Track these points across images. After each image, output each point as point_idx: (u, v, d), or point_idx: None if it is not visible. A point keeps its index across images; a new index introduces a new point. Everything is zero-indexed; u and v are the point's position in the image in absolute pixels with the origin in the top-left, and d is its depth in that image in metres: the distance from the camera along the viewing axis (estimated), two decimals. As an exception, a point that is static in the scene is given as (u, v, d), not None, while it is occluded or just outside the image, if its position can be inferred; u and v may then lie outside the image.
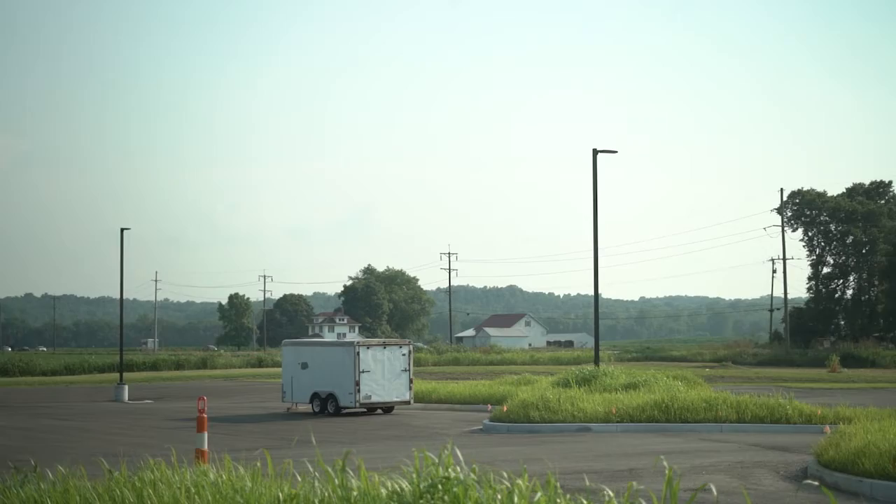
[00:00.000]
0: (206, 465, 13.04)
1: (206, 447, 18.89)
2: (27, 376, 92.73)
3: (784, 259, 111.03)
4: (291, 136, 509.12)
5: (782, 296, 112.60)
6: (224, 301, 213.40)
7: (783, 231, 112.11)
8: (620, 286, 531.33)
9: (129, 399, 59.66)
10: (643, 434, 33.44)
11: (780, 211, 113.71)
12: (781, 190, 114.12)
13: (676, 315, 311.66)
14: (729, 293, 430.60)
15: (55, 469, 13.41)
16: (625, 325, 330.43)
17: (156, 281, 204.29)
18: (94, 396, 64.48)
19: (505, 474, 10.56)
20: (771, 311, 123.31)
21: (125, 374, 70.10)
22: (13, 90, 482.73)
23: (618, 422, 35.12)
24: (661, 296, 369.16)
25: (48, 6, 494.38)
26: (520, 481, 10.07)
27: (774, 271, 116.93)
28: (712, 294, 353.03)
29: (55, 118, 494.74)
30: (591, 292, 49.60)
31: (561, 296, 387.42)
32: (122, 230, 65.34)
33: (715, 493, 12.29)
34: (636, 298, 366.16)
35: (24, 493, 12.37)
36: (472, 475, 9.95)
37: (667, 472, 9.69)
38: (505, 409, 37.50)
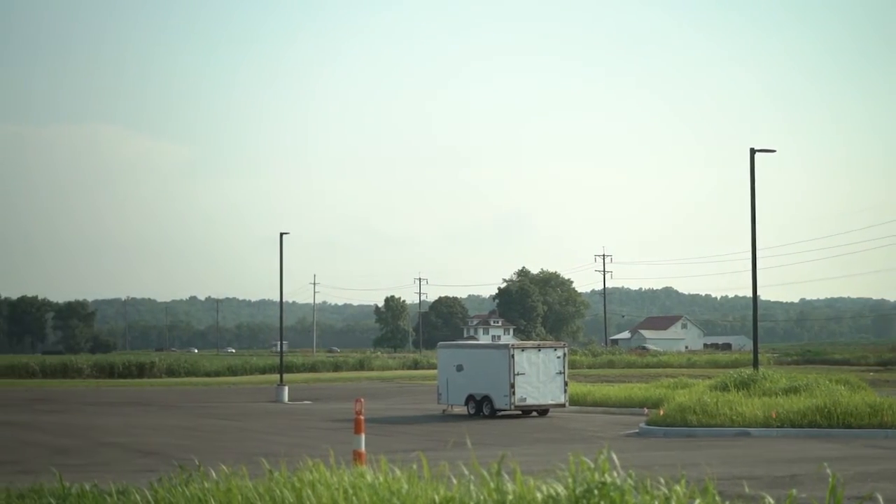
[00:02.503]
0: (363, 466, 13.19)
1: (363, 449, 19.12)
2: (192, 377, 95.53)
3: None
4: (444, 138, 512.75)
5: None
6: (380, 303, 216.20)
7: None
8: (780, 287, 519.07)
9: (288, 400, 60.78)
10: (804, 439, 32.63)
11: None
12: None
13: (838, 317, 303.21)
14: (895, 295, 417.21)
15: (218, 468, 13.72)
16: (784, 328, 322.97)
17: (314, 284, 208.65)
18: (255, 397, 65.93)
19: (662, 480, 10.42)
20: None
21: (285, 376, 71.47)
22: (176, 98, 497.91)
23: (778, 426, 34.37)
24: (822, 297, 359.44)
25: (210, 20, 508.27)
26: (677, 487, 9.92)
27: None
28: (876, 296, 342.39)
29: (217, 125, 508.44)
30: (750, 294, 48.67)
31: (718, 297, 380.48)
32: (282, 234, 66.73)
33: (881, 502, 11.89)
34: (796, 300, 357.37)
35: (188, 492, 12.70)
36: (629, 480, 9.83)
37: (830, 479, 9.44)
38: (661, 412, 37.07)
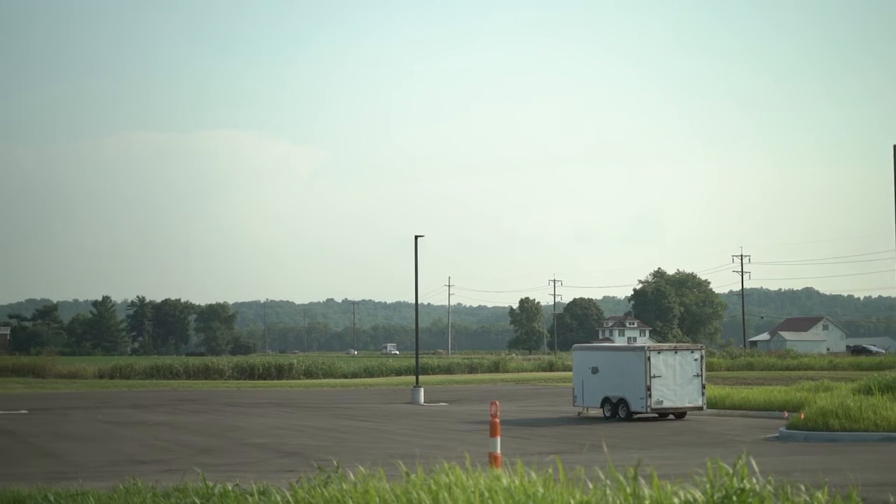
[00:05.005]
0: (499, 469, 13.23)
1: (499, 451, 19.16)
2: (329, 378, 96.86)
3: None
4: (577, 140, 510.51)
5: None
6: (515, 305, 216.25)
7: None
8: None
9: (424, 402, 61.16)
10: (953, 445, 31.61)
11: None
12: None
13: None
14: None
15: (355, 469, 13.89)
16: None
17: (448, 286, 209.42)
18: (391, 398, 66.54)
19: (802, 486, 10.25)
20: None
21: (421, 378, 71.95)
22: (314, 103, 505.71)
23: (925, 432, 33.35)
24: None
25: (343, 30, 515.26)
26: (819, 494, 9.76)
27: None
28: None
29: (353, 128, 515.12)
30: (894, 294, 47.30)
31: (861, 298, 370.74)
32: (416, 237, 67.20)
33: None
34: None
35: (327, 493, 12.89)
36: (768, 486, 9.69)
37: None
38: (802, 416, 36.33)
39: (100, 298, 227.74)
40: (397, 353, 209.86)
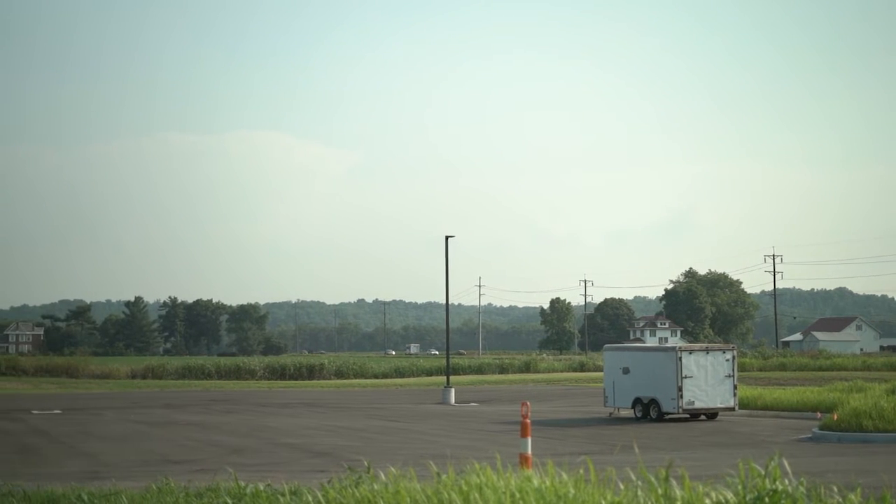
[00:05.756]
0: (529, 470, 13.21)
1: (529, 452, 19.15)
2: (360, 378, 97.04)
3: None
4: (607, 141, 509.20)
5: None
6: (545, 305, 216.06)
7: None
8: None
9: (455, 402, 61.14)
10: None
11: None
12: None
13: None
14: None
15: (386, 470, 13.90)
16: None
17: (479, 286, 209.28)
18: (422, 399, 66.57)
19: (835, 488, 10.19)
20: None
21: (452, 378, 71.94)
22: (345, 104, 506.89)
23: (960, 433, 33.07)
24: None
25: (376, 36, 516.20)
26: (852, 496, 9.69)
27: None
28: None
29: (385, 130, 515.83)
30: (929, 295, 46.94)
31: (895, 298, 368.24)
32: (447, 238, 67.22)
33: None
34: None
35: (358, 493, 12.90)
36: (801, 488, 9.64)
37: None
38: (835, 417, 36.12)
39: (132, 299, 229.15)
40: (436, 352, 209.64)
